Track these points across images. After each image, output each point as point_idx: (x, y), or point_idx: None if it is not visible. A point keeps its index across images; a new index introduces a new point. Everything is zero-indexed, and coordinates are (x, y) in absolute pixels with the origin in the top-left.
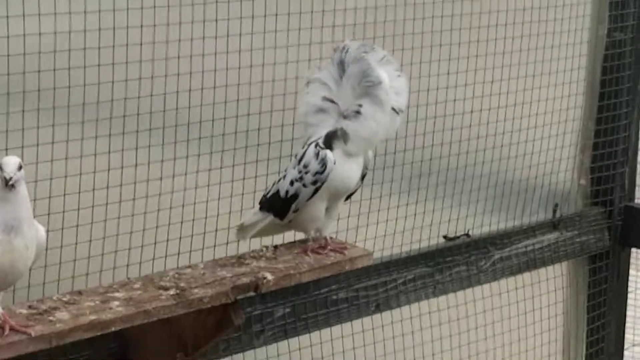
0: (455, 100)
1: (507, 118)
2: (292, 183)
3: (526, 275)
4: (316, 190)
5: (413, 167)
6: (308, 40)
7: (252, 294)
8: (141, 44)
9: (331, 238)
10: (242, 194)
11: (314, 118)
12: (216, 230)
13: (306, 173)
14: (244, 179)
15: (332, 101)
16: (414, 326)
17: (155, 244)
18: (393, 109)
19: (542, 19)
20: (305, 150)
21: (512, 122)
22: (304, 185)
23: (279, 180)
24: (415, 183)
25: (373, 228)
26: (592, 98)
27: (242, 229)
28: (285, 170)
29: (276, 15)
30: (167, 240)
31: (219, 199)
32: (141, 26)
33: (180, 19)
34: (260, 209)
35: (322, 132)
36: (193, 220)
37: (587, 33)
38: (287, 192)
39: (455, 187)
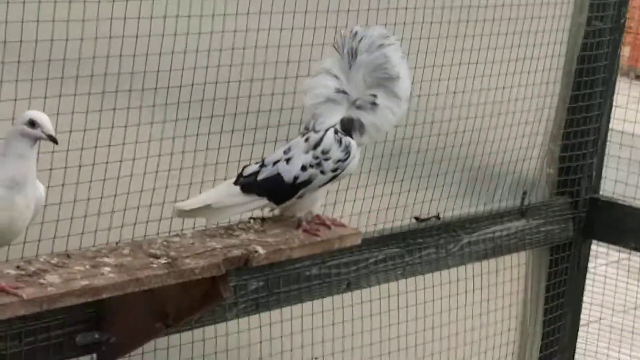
0: (431, 80)
1: (482, 102)
2: (304, 168)
3: (492, 261)
4: (333, 177)
5: (385, 146)
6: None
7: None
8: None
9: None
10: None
11: (322, 107)
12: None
13: (326, 160)
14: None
15: (344, 91)
16: (382, 307)
17: (138, 207)
18: None
19: (524, 2)
20: (323, 136)
21: (486, 107)
22: (322, 172)
23: (275, 163)
24: (386, 162)
25: (346, 206)
26: (567, 87)
27: (207, 211)
28: (288, 152)
29: None
30: (150, 205)
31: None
32: None
33: None
34: (244, 191)
35: (333, 119)
36: (178, 185)
37: (569, 21)
38: (296, 177)
39: (427, 169)
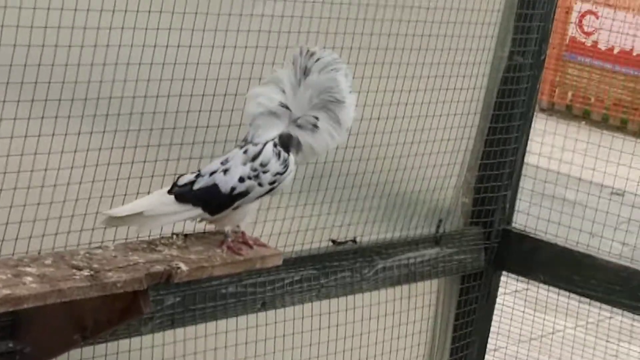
0: (355, 105)
1: (402, 129)
2: (242, 180)
3: (404, 287)
4: (270, 190)
5: (307, 169)
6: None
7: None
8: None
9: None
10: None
11: (263, 120)
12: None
13: (264, 172)
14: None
15: (286, 107)
16: (295, 328)
17: (60, 218)
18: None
19: (449, 34)
20: (262, 149)
21: (407, 134)
22: (260, 185)
23: (212, 174)
24: (306, 185)
25: (266, 225)
26: (486, 119)
27: (138, 219)
28: (226, 163)
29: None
30: (72, 216)
31: (128, 178)
32: None
33: None
34: (179, 200)
35: (271, 133)
36: (101, 197)
37: (491, 54)
38: (233, 188)
39: (347, 193)
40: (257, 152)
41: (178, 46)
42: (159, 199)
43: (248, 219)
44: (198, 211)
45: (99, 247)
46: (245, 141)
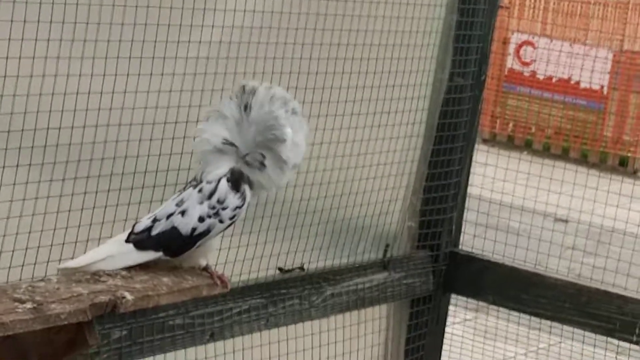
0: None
1: (346, 154)
2: (201, 219)
3: (354, 313)
4: (230, 224)
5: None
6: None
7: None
8: None
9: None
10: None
11: (212, 156)
12: (63, 244)
13: (223, 209)
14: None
15: (233, 144)
16: (245, 358)
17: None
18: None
19: (388, 56)
20: (216, 186)
21: (351, 159)
22: (220, 221)
23: (169, 217)
24: (250, 212)
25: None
26: (429, 141)
27: (95, 266)
28: (181, 204)
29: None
30: (13, 251)
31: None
32: None
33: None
34: (138, 247)
35: (222, 169)
36: (41, 231)
37: (432, 75)
38: (194, 229)
39: (292, 220)
40: (212, 189)
41: (124, 92)
42: (118, 249)
43: (210, 254)
44: (159, 255)
45: (42, 280)
46: (196, 180)
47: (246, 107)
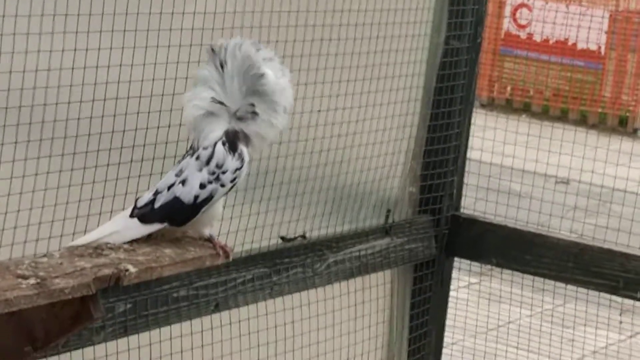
0: (295, 99)
1: (345, 121)
2: (203, 186)
3: (358, 280)
4: (232, 187)
5: (251, 165)
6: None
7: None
8: None
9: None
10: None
11: (204, 122)
12: (64, 219)
13: (223, 173)
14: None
15: (221, 102)
16: (251, 328)
17: (2, 230)
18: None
19: (383, 21)
20: (213, 151)
21: (349, 125)
22: (222, 185)
23: (170, 188)
24: (251, 182)
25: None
26: (427, 105)
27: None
28: (181, 174)
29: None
30: (15, 227)
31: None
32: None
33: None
34: (143, 221)
35: (216, 133)
36: (42, 207)
37: (428, 39)
38: (196, 197)
39: (293, 188)
40: (209, 155)
41: (120, 65)
42: (123, 224)
43: (215, 222)
44: (164, 225)
45: (44, 256)
46: (192, 148)
47: (222, 64)
